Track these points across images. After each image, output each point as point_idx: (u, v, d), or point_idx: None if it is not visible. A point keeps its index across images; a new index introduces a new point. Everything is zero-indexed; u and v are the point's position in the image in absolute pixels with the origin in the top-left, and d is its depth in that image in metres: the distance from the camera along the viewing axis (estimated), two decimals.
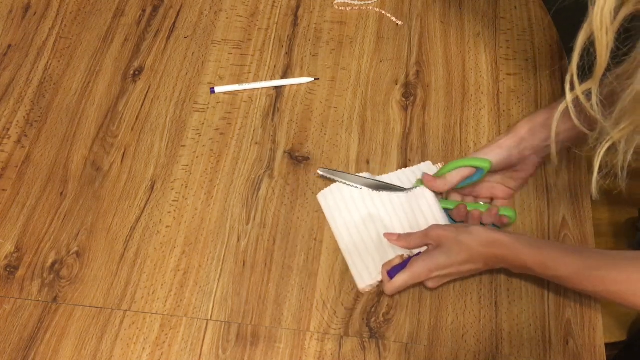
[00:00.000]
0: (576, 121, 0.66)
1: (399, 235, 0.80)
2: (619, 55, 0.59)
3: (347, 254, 0.81)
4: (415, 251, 0.79)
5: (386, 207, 0.84)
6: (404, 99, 0.96)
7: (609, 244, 1.03)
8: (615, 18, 0.56)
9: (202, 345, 0.76)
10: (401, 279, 0.76)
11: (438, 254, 0.75)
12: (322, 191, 0.86)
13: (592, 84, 0.61)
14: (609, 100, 0.62)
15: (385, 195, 0.84)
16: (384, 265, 0.79)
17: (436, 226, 0.78)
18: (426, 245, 0.78)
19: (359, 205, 0.84)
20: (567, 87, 0.63)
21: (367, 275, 0.79)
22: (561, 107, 0.67)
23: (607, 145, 0.62)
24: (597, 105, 0.62)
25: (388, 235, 0.81)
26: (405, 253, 0.79)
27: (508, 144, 0.79)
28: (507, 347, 0.76)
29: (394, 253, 0.80)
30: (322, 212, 0.85)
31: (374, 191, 0.84)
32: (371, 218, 0.83)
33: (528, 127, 0.79)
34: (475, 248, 0.73)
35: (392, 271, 0.77)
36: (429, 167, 0.88)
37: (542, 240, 0.80)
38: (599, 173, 0.64)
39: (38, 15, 1.04)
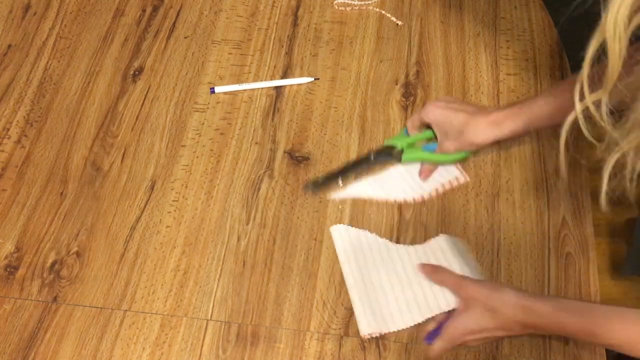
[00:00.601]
0: (585, 132, 0.64)
1: (433, 267, 0.79)
2: (629, 64, 0.58)
3: (354, 297, 0.78)
4: (445, 305, 0.76)
5: (403, 260, 0.81)
6: (404, 99, 0.96)
7: (609, 243, 1.03)
8: (628, 25, 0.55)
9: (202, 345, 0.76)
10: (439, 346, 0.74)
11: (468, 319, 0.73)
12: (336, 226, 0.84)
13: (603, 94, 0.59)
14: (618, 110, 0.61)
15: (402, 248, 0.82)
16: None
17: (469, 282, 0.75)
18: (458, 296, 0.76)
19: (375, 253, 0.81)
20: (577, 97, 0.61)
21: (366, 325, 0.76)
22: (570, 118, 0.64)
23: (616, 157, 0.61)
24: (607, 115, 0.60)
25: (422, 267, 0.79)
26: (423, 317, 0.77)
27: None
28: (507, 347, 0.76)
29: (408, 312, 0.77)
30: (322, 213, 0.85)
31: (392, 243, 0.83)
32: (385, 269, 0.80)
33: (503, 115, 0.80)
34: (507, 315, 0.71)
35: (429, 337, 0.75)
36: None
37: (581, 304, 0.75)
38: (607, 184, 0.62)
39: (38, 15, 1.04)
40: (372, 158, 0.87)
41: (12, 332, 0.77)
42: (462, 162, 0.88)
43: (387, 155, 0.87)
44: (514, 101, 0.91)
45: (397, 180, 0.88)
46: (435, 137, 0.85)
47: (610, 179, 0.62)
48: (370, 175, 0.88)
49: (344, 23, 1.03)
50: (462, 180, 0.88)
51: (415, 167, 0.88)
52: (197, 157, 0.90)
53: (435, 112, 0.83)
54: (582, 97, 0.60)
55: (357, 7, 1.05)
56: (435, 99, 0.91)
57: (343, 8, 1.05)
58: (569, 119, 0.64)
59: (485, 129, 0.80)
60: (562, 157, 0.69)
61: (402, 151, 0.86)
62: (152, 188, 0.87)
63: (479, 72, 0.98)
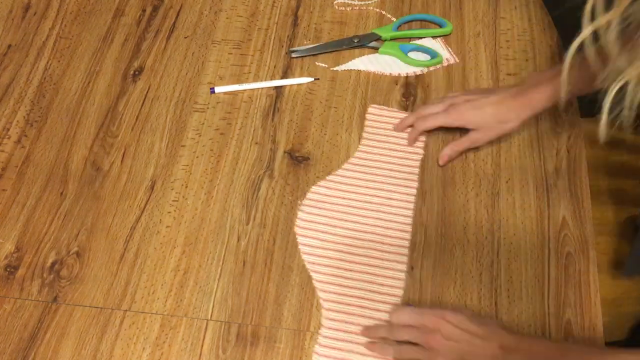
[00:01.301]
0: (590, 56, 0.61)
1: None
2: None
3: None
4: None
5: None
6: (404, 99, 0.96)
7: (609, 243, 1.03)
8: None
9: (202, 345, 0.76)
10: (406, 312, 0.75)
11: (453, 313, 0.73)
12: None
13: (616, 14, 0.57)
14: (626, 37, 0.58)
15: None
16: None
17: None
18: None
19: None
20: (587, 17, 0.59)
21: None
22: (576, 41, 0.62)
23: (620, 84, 0.59)
24: (615, 38, 0.58)
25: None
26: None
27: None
28: None
29: None
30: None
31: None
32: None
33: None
34: (492, 324, 0.72)
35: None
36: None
37: (568, 344, 0.76)
38: (608, 115, 0.61)
39: (38, 15, 1.04)
40: (355, 40, 0.99)
41: (12, 332, 0.77)
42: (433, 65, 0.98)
43: (369, 41, 0.99)
44: (535, 72, 0.94)
45: (388, 60, 0.98)
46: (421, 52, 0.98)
47: (611, 110, 0.61)
48: (364, 55, 0.99)
49: (344, 23, 1.03)
50: (452, 61, 0.98)
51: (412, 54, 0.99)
52: (197, 157, 0.90)
53: (465, 116, 0.84)
54: (593, 18, 0.59)
55: (357, 7, 1.05)
56: (449, 98, 0.90)
57: (343, 8, 1.05)
58: (576, 42, 0.62)
59: (519, 113, 0.82)
60: (564, 77, 0.68)
61: (382, 42, 0.99)
62: (152, 188, 0.87)
63: (479, 72, 0.98)
